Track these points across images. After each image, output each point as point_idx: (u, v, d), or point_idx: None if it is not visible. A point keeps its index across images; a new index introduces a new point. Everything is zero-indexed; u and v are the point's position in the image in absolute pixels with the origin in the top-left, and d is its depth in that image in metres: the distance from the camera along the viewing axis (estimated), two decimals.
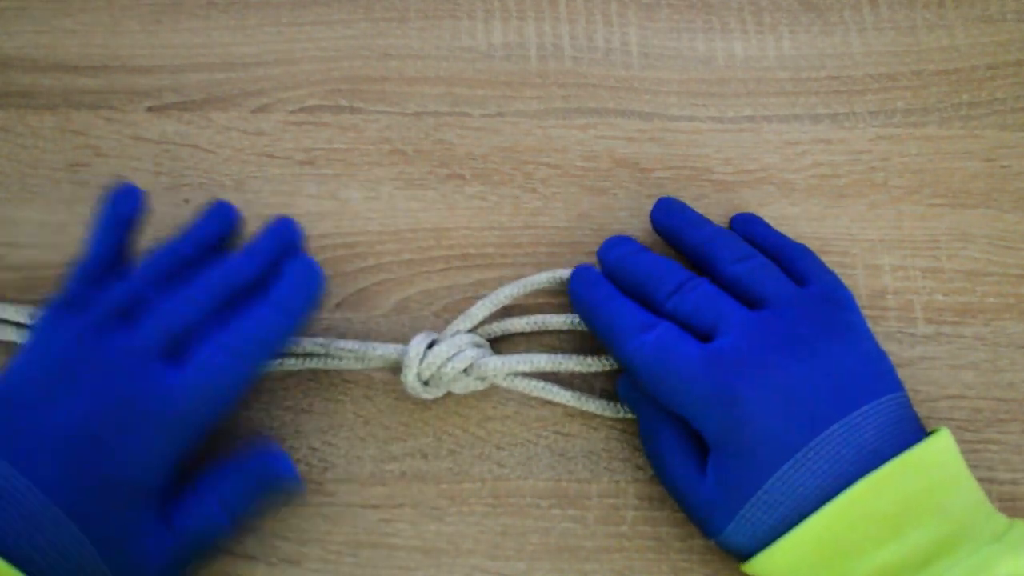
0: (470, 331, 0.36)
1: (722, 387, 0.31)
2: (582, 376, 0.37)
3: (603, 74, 0.41)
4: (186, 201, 0.38)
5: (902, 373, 0.37)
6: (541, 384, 0.35)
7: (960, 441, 0.36)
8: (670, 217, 0.37)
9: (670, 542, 0.35)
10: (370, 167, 0.39)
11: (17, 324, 0.36)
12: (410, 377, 0.35)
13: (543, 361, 0.35)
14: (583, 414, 0.37)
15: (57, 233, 0.38)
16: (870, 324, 0.34)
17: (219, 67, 0.40)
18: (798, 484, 0.30)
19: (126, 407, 0.30)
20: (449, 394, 0.36)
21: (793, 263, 0.35)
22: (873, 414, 0.31)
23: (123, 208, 0.34)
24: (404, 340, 0.36)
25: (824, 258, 0.36)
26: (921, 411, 0.37)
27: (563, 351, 0.37)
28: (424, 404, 0.36)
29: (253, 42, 0.41)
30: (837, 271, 0.36)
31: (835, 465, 0.30)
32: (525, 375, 0.35)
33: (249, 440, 0.35)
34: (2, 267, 0.37)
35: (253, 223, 0.38)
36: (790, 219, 0.39)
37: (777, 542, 0.30)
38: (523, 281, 0.36)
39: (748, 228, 0.37)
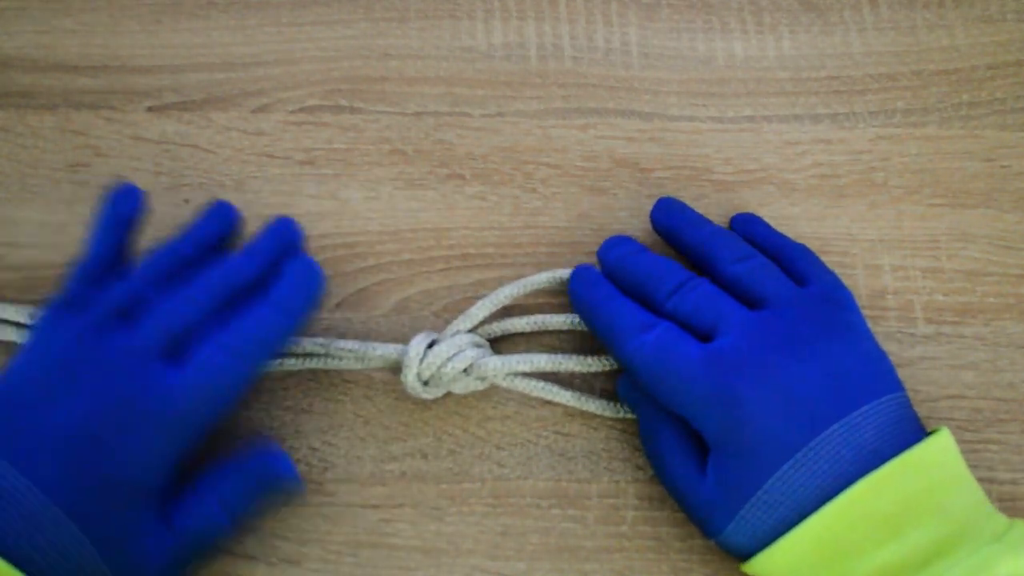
0: (470, 331, 0.36)
1: (722, 387, 0.31)
2: (582, 376, 0.37)
3: (603, 74, 0.41)
4: (186, 201, 0.38)
5: (902, 373, 0.37)
6: (541, 384, 0.35)
7: (960, 441, 0.36)
8: (670, 217, 0.37)
9: (670, 542, 0.35)
10: (370, 167, 0.39)
11: (17, 324, 0.36)
12: (410, 377, 0.35)
13: (543, 361, 0.35)
14: (583, 414, 0.37)
15: (57, 233, 0.38)
16: (870, 324, 0.34)
17: (219, 67, 0.40)
18: (798, 484, 0.30)
19: (126, 407, 0.30)
20: (449, 394, 0.36)
21: (793, 263, 0.35)
22: (873, 414, 0.31)
23: (123, 208, 0.34)
24: (404, 340, 0.36)
25: (824, 258, 0.36)
26: (921, 411, 0.37)
27: (563, 351, 0.37)
28: (424, 404, 0.36)
29: (253, 42, 0.41)
30: (837, 271, 0.36)
31: (835, 465, 0.30)
32: (525, 375, 0.35)
33: (249, 440, 0.35)
34: (2, 267, 0.37)
35: (253, 223, 0.38)
36: (790, 219, 0.39)
37: (777, 542, 0.30)
38: (523, 281, 0.36)
39: (748, 228, 0.37)
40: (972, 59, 0.42)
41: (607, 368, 0.36)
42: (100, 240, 0.34)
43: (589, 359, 0.36)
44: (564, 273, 0.36)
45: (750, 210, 0.39)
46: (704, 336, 0.33)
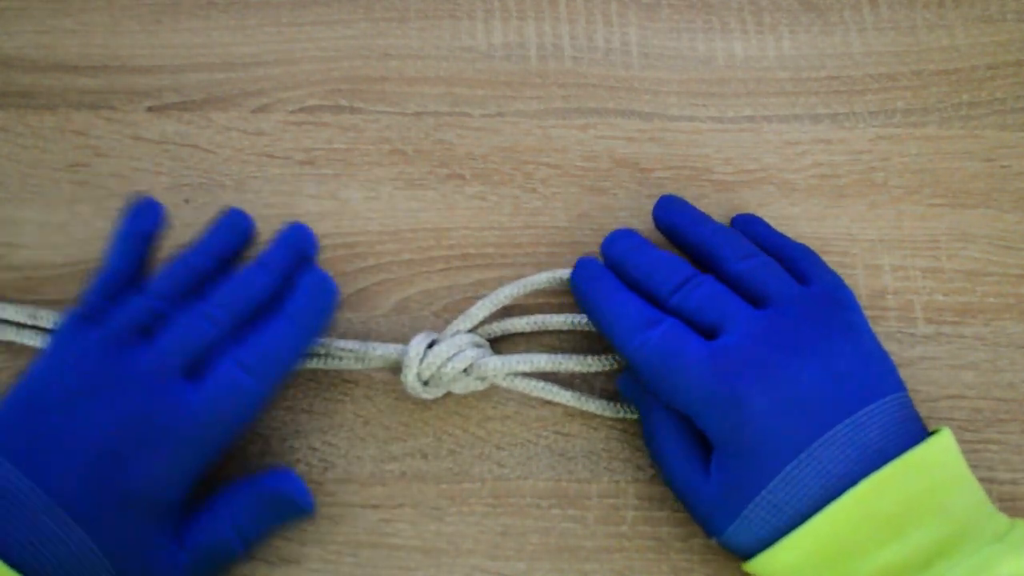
0: (470, 331, 0.36)
1: (727, 387, 0.31)
2: (582, 376, 0.37)
3: (603, 74, 0.41)
4: (186, 201, 0.38)
5: (902, 373, 0.36)
6: (541, 384, 0.35)
7: (960, 441, 0.36)
8: (672, 214, 0.37)
9: (670, 542, 0.35)
10: (370, 167, 0.39)
11: (17, 324, 0.36)
12: (410, 377, 0.35)
13: (543, 361, 0.35)
14: (583, 414, 0.37)
15: (57, 233, 0.38)
16: (870, 324, 0.34)
17: (219, 67, 0.40)
18: (802, 484, 0.30)
19: (145, 424, 0.30)
20: (449, 394, 0.36)
21: (795, 263, 0.35)
22: (878, 414, 0.31)
23: (143, 223, 0.34)
24: (404, 340, 0.36)
25: (824, 258, 0.36)
26: (921, 411, 0.37)
27: (563, 351, 0.37)
28: (424, 404, 0.36)
29: (253, 42, 0.41)
30: (837, 271, 0.35)
31: (840, 465, 0.30)
32: (525, 375, 0.35)
33: (265, 465, 0.35)
34: (2, 267, 0.37)
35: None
36: (790, 219, 0.39)
37: (780, 542, 0.30)
38: (523, 281, 0.36)
39: (749, 228, 0.37)
40: (972, 59, 0.42)
41: (607, 368, 0.36)
42: (120, 254, 0.34)
43: (589, 359, 0.36)
44: (564, 273, 0.36)
45: (750, 210, 0.39)
46: (708, 333, 0.32)
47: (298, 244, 0.35)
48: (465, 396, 0.37)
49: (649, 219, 0.38)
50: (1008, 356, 0.38)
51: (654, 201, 0.39)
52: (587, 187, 0.40)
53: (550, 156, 0.40)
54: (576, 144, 0.40)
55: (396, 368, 0.36)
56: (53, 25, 0.40)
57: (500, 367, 0.35)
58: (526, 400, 0.37)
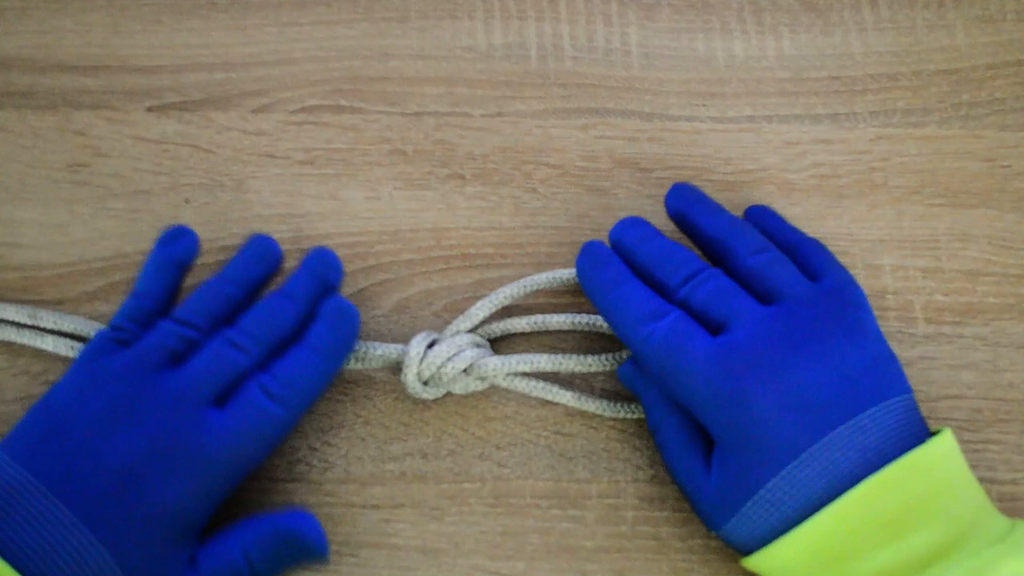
0: (470, 331, 0.36)
1: (730, 385, 0.31)
2: (582, 376, 0.37)
3: (603, 74, 0.41)
4: (186, 201, 0.38)
5: None
6: (541, 384, 0.35)
7: (960, 441, 0.36)
8: (686, 203, 0.36)
9: (670, 542, 0.35)
10: (370, 167, 0.39)
11: (17, 324, 0.36)
12: (410, 377, 0.35)
13: (543, 361, 0.35)
14: (583, 414, 0.37)
15: (57, 233, 0.38)
16: None
17: (219, 67, 0.40)
18: (802, 484, 0.30)
19: (171, 448, 0.30)
20: (449, 394, 0.36)
21: (807, 258, 0.35)
22: (881, 416, 0.30)
23: (176, 250, 0.35)
24: (404, 340, 0.36)
25: None
26: (921, 411, 0.37)
27: (563, 351, 0.37)
28: (424, 404, 0.36)
29: (253, 42, 0.41)
30: None
31: (840, 466, 0.30)
32: (525, 375, 0.35)
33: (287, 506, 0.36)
34: (2, 267, 0.37)
35: (254, 223, 0.38)
36: (790, 219, 0.39)
37: (777, 541, 0.30)
38: (523, 281, 0.36)
39: (761, 221, 0.37)
40: (972, 59, 0.42)
41: (607, 368, 0.36)
42: (151, 279, 0.34)
43: (589, 359, 0.36)
44: (564, 273, 0.36)
45: None
46: (714, 328, 0.32)
47: (323, 272, 0.35)
48: (465, 396, 0.37)
49: (650, 219, 0.38)
50: (1008, 356, 0.38)
51: (654, 201, 0.39)
52: (587, 187, 0.39)
53: (550, 156, 0.40)
54: (576, 144, 0.40)
55: (396, 368, 0.36)
56: (53, 25, 0.40)
57: (500, 367, 0.35)
58: (526, 400, 0.37)
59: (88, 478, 0.30)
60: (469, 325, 0.36)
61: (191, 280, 0.36)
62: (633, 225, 0.35)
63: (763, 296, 0.33)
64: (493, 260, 0.38)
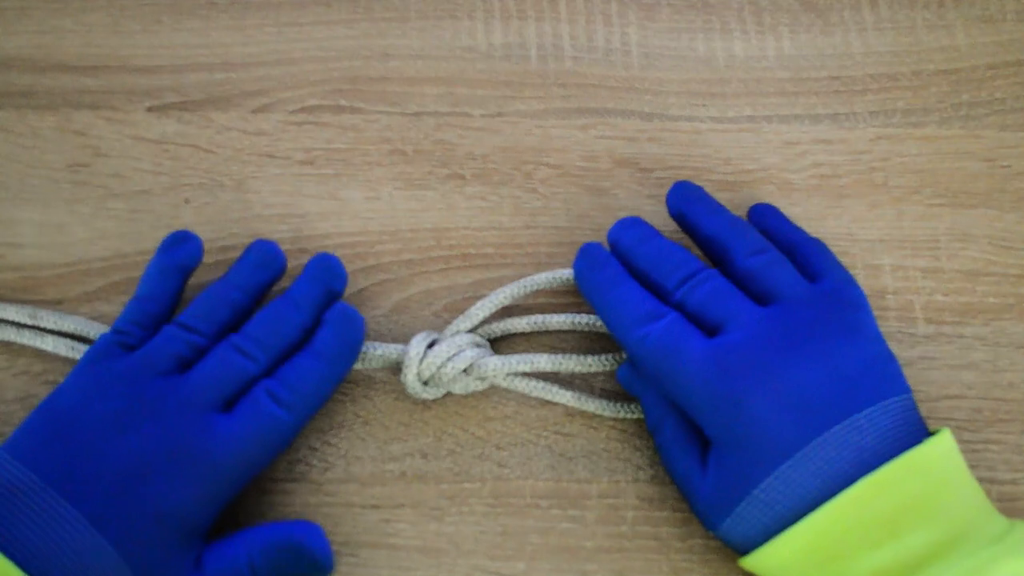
0: (470, 331, 0.36)
1: (725, 386, 0.31)
2: (582, 376, 0.37)
3: (603, 74, 0.41)
4: (186, 201, 0.38)
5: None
6: (541, 384, 0.35)
7: (960, 441, 0.36)
8: (687, 202, 0.36)
9: (670, 542, 0.35)
10: (370, 167, 0.39)
11: (17, 324, 0.36)
12: (410, 377, 0.35)
13: (543, 361, 0.35)
14: (583, 414, 0.37)
15: (57, 233, 0.38)
16: None
17: (219, 67, 0.40)
18: (797, 483, 0.30)
19: (177, 452, 0.31)
20: (449, 394, 0.36)
21: (807, 258, 0.35)
22: (878, 416, 0.30)
23: (179, 255, 0.35)
24: (404, 340, 0.36)
25: None
26: (921, 411, 0.37)
27: (563, 351, 0.37)
28: (424, 404, 0.36)
29: (253, 42, 0.41)
30: None
31: (835, 466, 0.30)
32: (525, 375, 0.35)
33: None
34: (2, 267, 0.37)
35: (254, 223, 0.38)
36: (790, 219, 0.39)
37: (773, 540, 0.30)
38: (523, 281, 0.36)
39: (763, 220, 0.37)
40: (972, 59, 0.42)
41: (607, 368, 0.36)
42: (155, 283, 0.34)
43: (589, 359, 0.36)
44: (564, 273, 0.36)
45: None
46: (711, 330, 0.32)
47: (327, 278, 0.35)
48: (465, 396, 0.37)
49: (649, 219, 0.38)
50: (1008, 356, 0.38)
51: (654, 201, 0.39)
52: (587, 187, 0.40)
53: (550, 156, 0.40)
54: (576, 144, 0.40)
55: (396, 368, 0.36)
56: (53, 25, 0.40)
57: (500, 367, 0.35)
58: (526, 400, 0.37)
59: (93, 479, 0.30)
60: (469, 325, 0.36)
61: (192, 278, 0.36)
62: (631, 225, 0.36)
63: (761, 297, 0.33)
64: (493, 260, 0.38)
